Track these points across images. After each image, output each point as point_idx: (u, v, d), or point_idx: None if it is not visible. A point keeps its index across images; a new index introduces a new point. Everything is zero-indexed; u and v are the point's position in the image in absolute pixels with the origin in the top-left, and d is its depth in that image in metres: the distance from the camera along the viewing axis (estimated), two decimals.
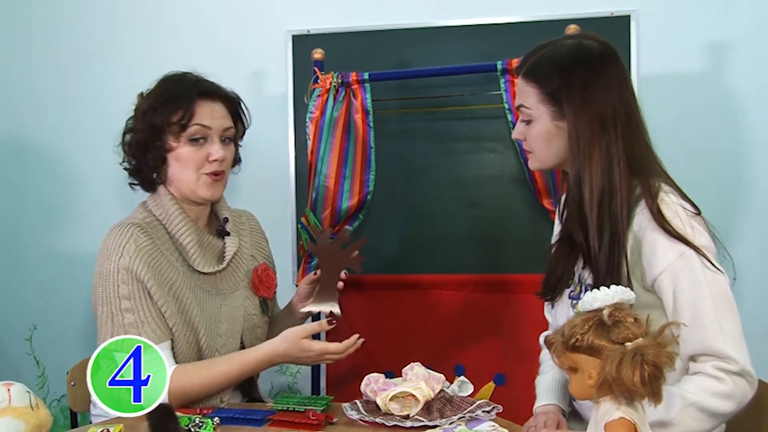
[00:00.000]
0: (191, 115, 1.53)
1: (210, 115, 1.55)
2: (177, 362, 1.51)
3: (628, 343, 0.92)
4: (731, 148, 2.28)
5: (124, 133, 1.61)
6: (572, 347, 0.95)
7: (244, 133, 1.72)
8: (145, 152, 1.57)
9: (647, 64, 2.25)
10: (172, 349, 1.52)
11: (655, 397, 0.91)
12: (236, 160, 1.71)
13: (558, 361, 0.97)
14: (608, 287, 0.96)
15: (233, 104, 1.63)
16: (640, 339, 0.91)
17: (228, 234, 1.64)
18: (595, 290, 0.96)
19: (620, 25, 2.23)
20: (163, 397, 1.36)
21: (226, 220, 1.67)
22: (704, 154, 2.29)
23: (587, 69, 1.33)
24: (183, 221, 1.57)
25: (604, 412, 0.94)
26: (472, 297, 2.22)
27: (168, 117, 1.53)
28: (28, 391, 1.21)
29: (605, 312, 0.95)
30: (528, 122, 1.39)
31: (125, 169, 1.62)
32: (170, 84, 1.58)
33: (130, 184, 1.64)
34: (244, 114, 1.68)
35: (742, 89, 2.26)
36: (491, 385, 2.19)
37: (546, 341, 0.99)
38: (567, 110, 1.33)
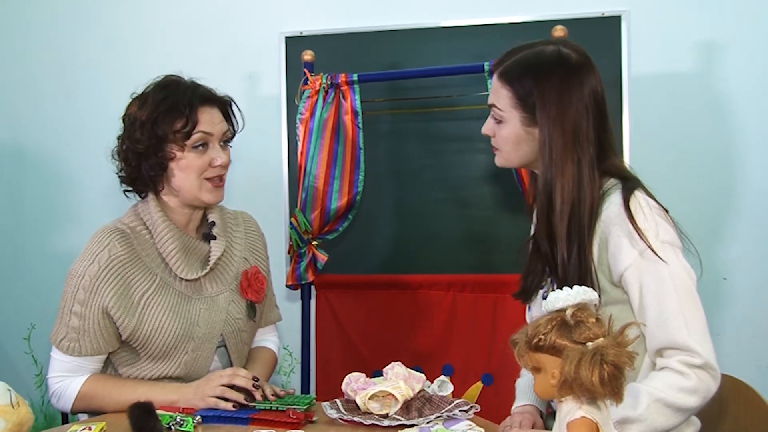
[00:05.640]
0: (195, 122, 1.54)
1: (211, 121, 1.57)
2: (140, 364, 1.57)
3: (590, 343, 0.92)
4: (722, 148, 2.28)
5: (120, 141, 1.60)
6: (535, 347, 0.96)
7: (234, 135, 1.71)
8: (145, 161, 1.57)
9: (638, 65, 2.25)
10: (137, 350, 1.56)
11: (616, 396, 0.91)
12: None
13: (521, 361, 0.98)
14: (571, 288, 0.96)
15: (227, 107, 1.65)
16: (601, 339, 0.92)
17: (214, 238, 1.64)
18: (558, 290, 0.97)
19: (611, 25, 2.23)
20: (66, 403, 1.55)
21: (213, 224, 1.66)
22: (695, 154, 2.29)
23: (564, 80, 1.33)
24: (166, 229, 1.58)
25: (567, 411, 0.94)
26: (461, 297, 2.23)
27: (171, 126, 1.53)
28: (9, 390, 1.22)
29: (568, 312, 0.95)
30: (498, 122, 1.40)
31: (120, 177, 1.62)
32: (169, 92, 1.56)
33: (125, 191, 1.64)
34: (235, 116, 1.68)
35: (733, 89, 2.26)
36: (479, 384, 2.20)
37: (510, 341, 1.00)
38: (540, 120, 1.33)
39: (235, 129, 1.69)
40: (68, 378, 1.55)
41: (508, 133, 1.38)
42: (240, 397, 1.45)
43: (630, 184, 1.32)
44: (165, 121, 1.53)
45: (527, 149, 1.38)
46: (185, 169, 1.56)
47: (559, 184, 1.30)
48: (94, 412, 1.57)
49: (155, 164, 1.56)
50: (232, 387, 1.47)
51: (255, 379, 1.48)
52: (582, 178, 1.30)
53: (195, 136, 1.54)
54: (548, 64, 1.35)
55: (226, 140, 1.63)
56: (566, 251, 1.29)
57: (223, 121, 1.61)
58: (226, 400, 1.45)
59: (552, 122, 1.31)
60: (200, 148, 1.56)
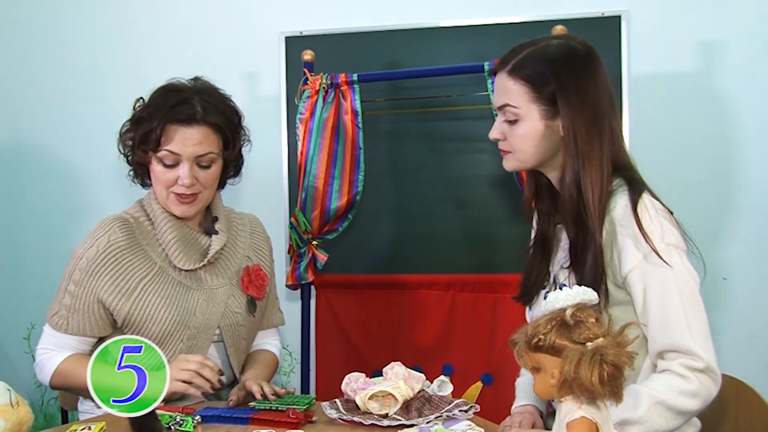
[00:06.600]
0: (159, 140, 1.54)
1: (181, 142, 1.54)
2: None
3: (589, 343, 0.92)
4: (722, 147, 2.28)
5: (122, 132, 1.64)
6: (535, 347, 0.96)
7: (240, 147, 1.68)
8: (132, 156, 1.63)
9: (638, 65, 2.25)
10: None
11: (616, 396, 0.92)
12: (237, 171, 1.73)
13: (521, 361, 0.98)
14: (571, 288, 0.96)
15: (220, 127, 1.59)
16: (601, 339, 0.92)
17: (216, 233, 1.66)
18: (557, 290, 0.97)
19: (611, 25, 2.23)
20: (45, 376, 1.58)
21: (215, 219, 1.69)
22: (695, 153, 2.29)
23: (579, 69, 1.33)
24: (165, 219, 1.61)
25: (566, 411, 0.95)
26: (461, 297, 2.23)
27: (142, 135, 1.56)
28: (8, 389, 1.22)
29: (568, 312, 0.95)
30: (512, 122, 1.35)
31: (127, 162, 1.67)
32: (155, 99, 1.58)
33: (130, 175, 1.68)
34: (235, 133, 1.64)
35: (733, 89, 2.26)
36: (479, 384, 2.20)
37: (510, 341, 1.00)
38: (562, 110, 1.30)
39: (239, 144, 1.67)
40: (52, 352, 1.58)
41: (527, 130, 1.34)
42: (206, 385, 1.44)
43: (638, 187, 1.31)
44: (138, 129, 1.57)
45: (547, 145, 1.34)
46: (155, 178, 1.60)
47: (588, 174, 1.28)
48: (70, 390, 1.63)
49: (138, 161, 1.61)
50: (224, 384, 1.51)
51: (221, 373, 1.48)
52: (603, 165, 1.29)
53: (160, 153, 1.55)
54: (560, 54, 1.34)
55: (205, 163, 1.58)
56: (601, 237, 1.27)
57: (203, 143, 1.55)
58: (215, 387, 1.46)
59: (575, 109, 1.30)
60: (169, 165, 1.56)
